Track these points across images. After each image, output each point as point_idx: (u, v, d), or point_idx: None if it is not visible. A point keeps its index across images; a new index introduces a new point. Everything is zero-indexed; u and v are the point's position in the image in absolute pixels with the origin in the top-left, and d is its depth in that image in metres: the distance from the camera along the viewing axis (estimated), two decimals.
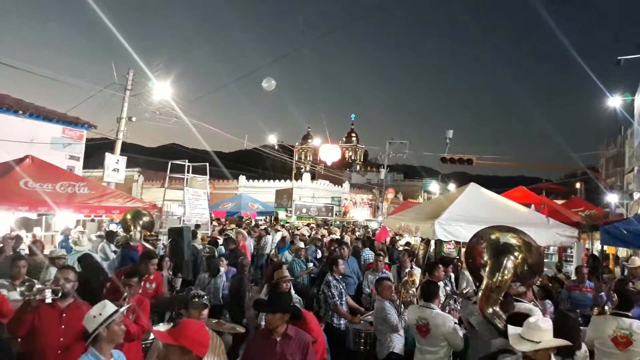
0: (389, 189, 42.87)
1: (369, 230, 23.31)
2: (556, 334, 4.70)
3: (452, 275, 7.63)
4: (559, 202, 19.88)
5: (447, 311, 5.34)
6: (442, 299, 6.08)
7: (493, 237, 4.94)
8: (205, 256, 8.38)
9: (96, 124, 17.61)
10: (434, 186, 49.54)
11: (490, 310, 4.32)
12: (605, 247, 13.38)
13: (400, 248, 12.40)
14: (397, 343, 5.32)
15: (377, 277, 6.47)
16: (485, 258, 4.68)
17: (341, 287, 6.68)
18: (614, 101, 16.63)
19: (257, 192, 32.45)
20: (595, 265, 10.25)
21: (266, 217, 27.43)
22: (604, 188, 21.54)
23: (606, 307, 5.19)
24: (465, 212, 9.26)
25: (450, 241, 9.69)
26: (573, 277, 9.29)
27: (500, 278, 4.41)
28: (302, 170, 50.20)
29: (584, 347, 4.68)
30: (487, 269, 4.54)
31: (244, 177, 39.85)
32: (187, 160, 14.55)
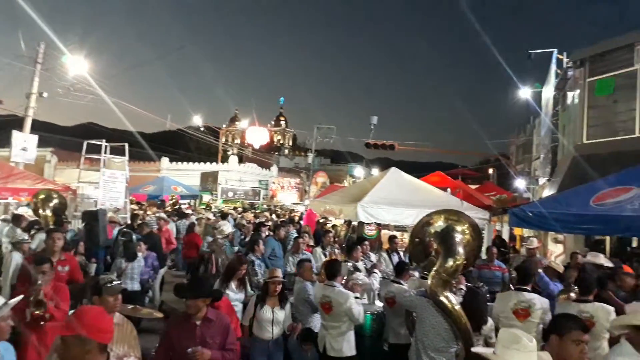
0: (321, 172, 43.27)
1: (295, 213, 23.47)
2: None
3: (372, 255, 7.88)
4: (473, 186, 21.09)
5: (350, 286, 5.52)
6: (362, 277, 6.30)
7: (440, 222, 5.08)
8: (122, 240, 8.04)
9: (2, 99, 16.18)
10: (358, 171, 50.61)
11: (443, 296, 4.46)
12: (513, 229, 14.45)
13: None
14: (317, 323, 5.44)
15: (299, 259, 6.55)
16: (435, 245, 4.82)
17: (264, 266, 6.73)
18: (524, 92, 17.84)
19: (181, 175, 31.48)
20: (500, 244, 11.00)
21: (190, 201, 26.75)
22: (513, 174, 23.16)
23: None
24: (386, 195, 9.60)
25: (372, 223, 9.99)
26: (483, 256, 9.95)
27: (452, 263, 4.54)
28: (229, 153, 49.27)
29: (490, 321, 5.04)
30: (440, 255, 4.66)
31: (166, 159, 38.46)
32: (104, 140, 13.76)
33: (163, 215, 13.21)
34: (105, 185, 13.24)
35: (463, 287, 5.80)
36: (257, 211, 22.95)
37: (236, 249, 9.59)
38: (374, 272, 6.56)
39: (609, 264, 6.81)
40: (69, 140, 35.41)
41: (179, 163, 38.97)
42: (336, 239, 10.37)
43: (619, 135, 10.94)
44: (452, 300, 4.44)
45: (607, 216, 6.22)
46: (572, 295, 5.14)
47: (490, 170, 34.13)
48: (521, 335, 2.55)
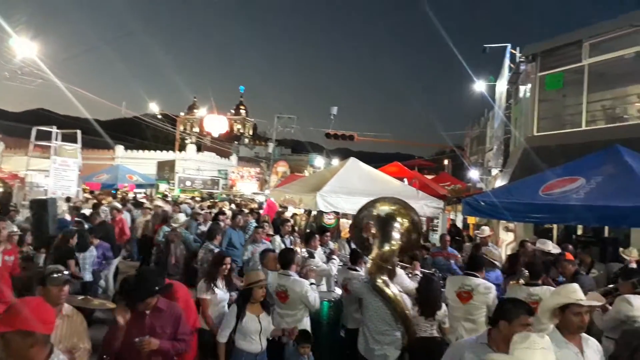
0: (282, 162, 43.09)
1: (255, 203, 23.33)
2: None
3: (331, 243, 7.95)
4: (429, 177, 21.59)
5: (304, 272, 5.57)
6: (320, 263, 6.36)
7: (380, 209, 5.20)
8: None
9: None
10: (319, 161, 50.73)
11: (381, 279, 4.56)
12: (467, 218, 14.90)
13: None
14: None
15: (262, 250, 6.53)
16: (374, 230, 4.93)
17: None
18: (479, 86, 18.32)
19: (137, 163, 30.62)
20: (455, 233, 11.33)
21: (146, 190, 26.12)
22: (467, 165, 23.81)
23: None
24: (345, 185, 9.69)
25: (331, 212, 10.07)
26: (438, 244, 10.24)
27: (388, 248, 4.66)
28: (187, 141, 48.30)
29: (444, 306, 5.22)
30: (377, 240, 4.77)
31: (121, 147, 37.35)
32: (55, 127, 13.20)
33: (117, 204, 12.85)
34: (56, 174, 12.76)
35: (418, 273, 5.95)
36: (216, 201, 22.65)
37: (192, 237, 9.45)
38: (333, 259, 6.63)
39: (557, 250, 7.14)
40: (17, 126, 33.79)
41: (135, 151, 37.99)
42: (295, 228, 10.39)
43: (567, 128, 11.43)
44: (390, 285, 4.56)
45: (555, 205, 6.49)
46: (521, 279, 5.38)
47: (446, 161, 34.93)
48: (529, 333, 2.44)
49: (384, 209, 5.11)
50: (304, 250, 6.80)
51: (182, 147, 39.55)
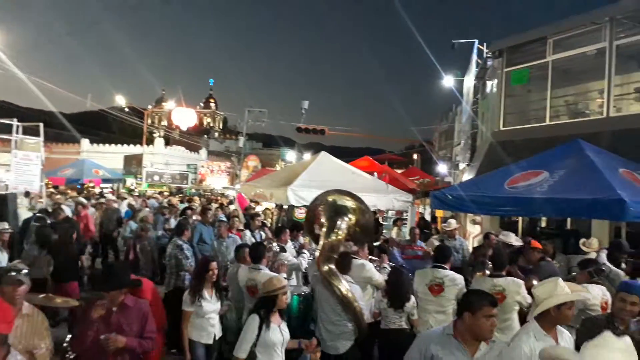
0: (252, 156, 42.74)
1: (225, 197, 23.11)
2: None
3: (301, 237, 7.93)
4: (399, 171, 21.85)
5: (276, 267, 5.56)
6: (290, 257, 6.35)
7: (330, 200, 5.27)
8: (35, 227, 7.51)
9: None
10: (291, 155, 50.66)
11: (326, 267, 4.62)
12: (435, 211, 15.12)
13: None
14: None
15: (238, 245, 6.47)
16: (323, 219, 4.99)
17: (191, 250, 6.59)
18: (448, 81, 18.60)
19: (103, 158, 29.87)
20: (424, 226, 11.50)
21: (113, 185, 25.52)
22: (436, 159, 24.22)
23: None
24: (316, 179, 9.71)
25: (302, 206, 10.07)
26: (407, 237, 10.37)
27: (334, 238, 4.72)
28: (155, 135, 47.39)
29: (412, 298, 5.29)
30: (324, 229, 4.84)
31: (87, 140, 36.35)
32: (16, 120, 12.72)
33: (82, 200, 12.50)
34: (17, 168, 12.30)
35: (387, 266, 6.01)
36: (186, 196, 22.33)
37: (160, 233, 9.31)
38: (303, 253, 6.63)
39: (519, 243, 7.32)
40: None
41: (101, 145, 37.03)
42: (265, 223, 10.35)
43: (531, 123, 11.71)
44: (338, 275, 4.60)
45: (519, 198, 6.66)
46: (487, 271, 5.49)
47: (415, 156, 35.43)
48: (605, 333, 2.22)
49: (334, 200, 5.19)
50: (275, 244, 6.77)
51: (150, 141, 38.79)
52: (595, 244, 6.83)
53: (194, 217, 9.41)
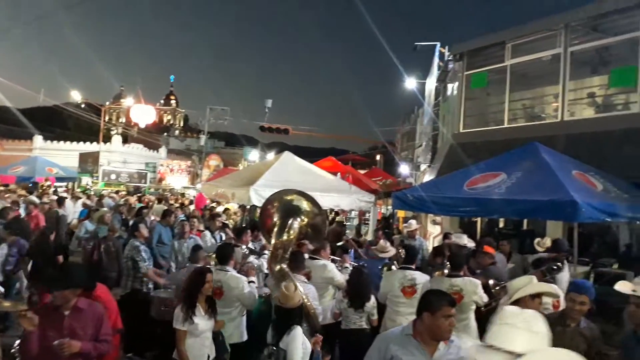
0: (214, 155, 42.12)
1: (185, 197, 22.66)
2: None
3: (263, 238, 7.83)
4: (362, 171, 22.00)
5: (244, 270, 5.45)
6: (251, 259, 6.25)
7: (283, 199, 5.21)
8: None
9: None
10: (254, 154, 50.19)
11: (278, 267, 4.56)
12: (397, 211, 15.30)
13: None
14: None
15: (193, 246, 6.30)
16: (275, 219, 4.93)
17: (149, 251, 6.39)
18: (410, 83, 18.85)
19: (57, 155, 28.76)
20: (386, 225, 11.62)
21: (68, 184, 24.60)
22: (398, 160, 24.57)
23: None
24: (279, 179, 9.62)
25: None
26: (370, 237, 10.45)
27: (286, 237, 4.67)
28: (113, 132, 46.01)
29: (372, 298, 5.29)
30: (276, 229, 4.78)
31: (40, 137, 34.92)
32: None
33: (33, 199, 11.97)
34: None
35: (349, 266, 6.00)
36: (144, 196, 21.77)
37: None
38: (264, 254, 6.54)
39: (472, 244, 7.47)
40: None
41: (55, 142, 35.68)
42: (227, 223, 10.17)
43: (490, 125, 12.01)
44: (290, 275, 4.56)
45: (478, 199, 6.80)
46: (445, 271, 5.56)
47: (378, 157, 35.81)
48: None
49: (286, 200, 5.15)
50: (243, 247, 6.61)
51: (107, 139, 37.63)
52: (549, 244, 7.05)
53: (152, 218, 9.15)
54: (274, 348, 3.57)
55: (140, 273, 6.15)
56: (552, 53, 10.36)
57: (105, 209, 10.20)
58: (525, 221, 10.48)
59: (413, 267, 5.33)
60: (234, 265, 5.13)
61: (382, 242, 7.11)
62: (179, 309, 4.18)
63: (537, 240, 7.35)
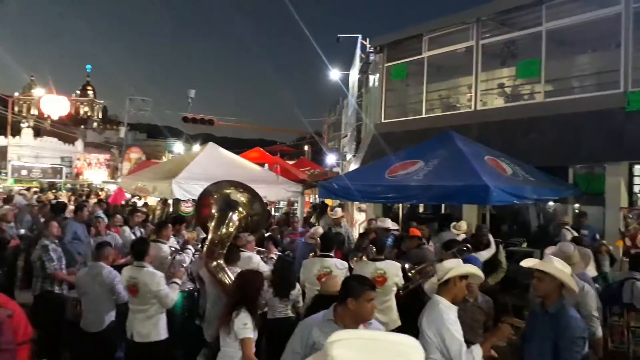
0: (135, 148, 40.23)
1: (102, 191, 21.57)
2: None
3: (185, 232, 7.63)
4: (290, 162, 22.02)
5: (172, 272, 5.29)
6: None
7: (222, 192, 5.12)
8: None
9: None
10: (178, 146, 48.58)
11: (214, 263, 4.48)
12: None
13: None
14: (112, 310, 5.00)
15: (98, 242, 5.97)
16: (213, 211, 4.82)
17: (60, 250, 6.00)
18: (334, 74, 19.06)
19: None
20: (318, 213, 11.72)
21: None
22: (325, 150, 24.88)
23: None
24: (203, 171, 9.41)
25: (188, 200, 9.72)
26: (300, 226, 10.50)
27: (224, 231, 4.59)
28: (24, 125, 42.67)
29: (297, 286, 5.35)
30: (213, 223, 4.68)
31: None
32: None
33: None
34: None
35: (273, 255, 6.02)
36: (59, 192, 20.48)
37: (22, 231, 8.42)
38: (187, 249, 6.38)
39: (396, 227, 7.78)
40: None
41: None
42: (148, 218, 9.81)
43: (409, 115, 12.47)
44: (225, 269, 4.55)
45: (398, 186, 7.08)
46: (364, 258, 5.75)
47: (306, 147, 35.99)
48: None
49: (226, 192, 5.07)
50: (167, 244, 6.34)
51: (17, 132, 34.85)
52: (464, 227, 7.47)
53: (66, 214, 8.62)
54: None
55: (49, 275, 5.77)
56: (465, 46, 10.91)
57: (8, 207, 9.46)
58: (443, 205, 11.02)
59: (331, 254, 5.42)
60: (150, 261, 4.96)
61: (315, 228, 7.23)
62: (245, 316, 3.75)
63: (453, 223, 7.76)
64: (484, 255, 5.93)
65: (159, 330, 4.63)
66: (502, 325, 3.25)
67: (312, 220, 10.98)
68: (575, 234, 7.63)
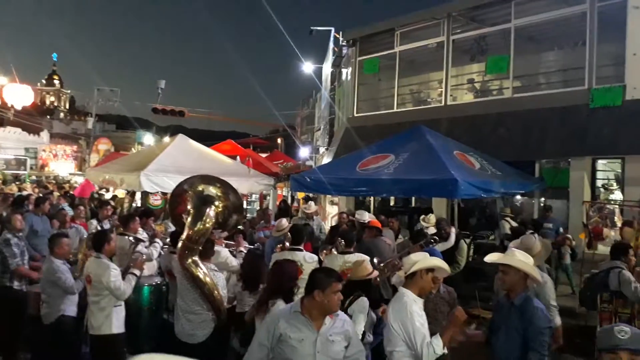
0: (104, 139, 39.23)
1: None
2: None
3: (153, 225, 7.49)
4: (263, 155, 21.90)
5: (132, 264, 5.18)
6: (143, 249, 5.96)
7: (197, 187, 5.01)
8: None
9: None
10: (148, 138, 47.62)
11: (190, 260, 4.41)
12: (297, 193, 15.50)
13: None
14: (70, 305, 4.90)
15: (52, 234, 5.79)
16: (189, 207, 4.73)
17: (23, 245, 5.80)
18: (308, 67, 19.00)
19: None
20: (284, 207, 11.72)
21: None
22: (299, 143, 24.83)
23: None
24: (172, 163, 9.26)
25: (157, 192, 9.55)
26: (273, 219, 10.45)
27: (201, 227, 4.51)
28: None
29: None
30: (190, 219, 4.59)
31: None
32: None
33: None
34: None
35: (243, 249, 5.97)
36: (22, 183, 19.84)
37: None
38: (155, 242, 6.27)
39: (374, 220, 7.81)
40: None
41: None
42: (116, 211, 9.59)
43: (381, 109, 12.55)
44: (200, 265, 4.51)
45: (370, 180, 7.13)
46: (333, 251, 5.76)
47: (279, 140, 35.83)
48: None
49: (201, 187, 4.98)
50: (130, 236, 6.18)
51: None
52: (433, 219, 7.57)
53: (30, 207, 8.33)
54: None
55: (10, 269, 5.58)
56: (437, 41, 11.03)
57: None
58: (413, 199, 11.15)
59: (301, 247, 5.42)
60: (113, 253, 4.87)
61: (279, 221, 7.17)
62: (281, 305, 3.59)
63: (422, 216, 7.85)
64: (439, 248, 6.05)
65: (112, 323, 4.51)
66: (455, 311, 3.32)
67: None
68: (515, 224, 7.90)
